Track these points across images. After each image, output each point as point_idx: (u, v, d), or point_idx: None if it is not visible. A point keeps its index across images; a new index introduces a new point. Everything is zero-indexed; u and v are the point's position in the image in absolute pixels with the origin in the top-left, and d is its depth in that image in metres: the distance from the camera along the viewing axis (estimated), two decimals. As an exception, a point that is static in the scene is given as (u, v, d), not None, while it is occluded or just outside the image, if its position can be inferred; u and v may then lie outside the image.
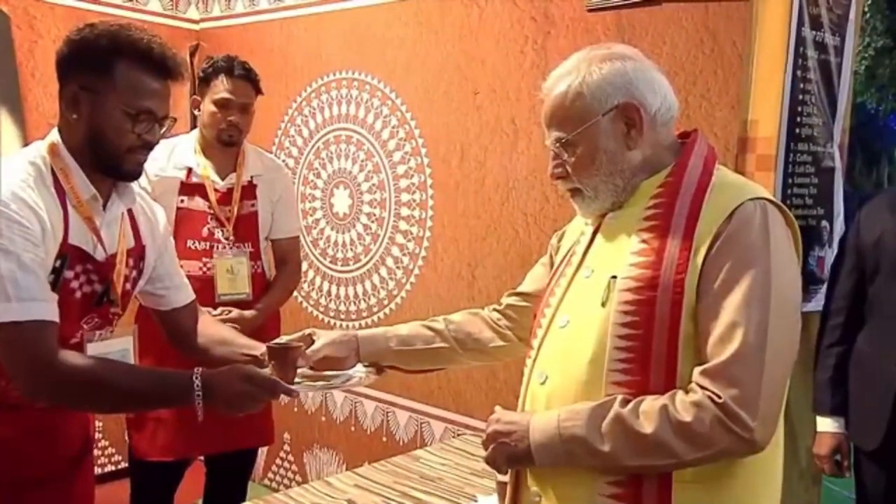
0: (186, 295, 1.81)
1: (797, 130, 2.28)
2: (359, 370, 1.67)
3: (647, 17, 2.42)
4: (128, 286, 1.64)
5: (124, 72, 1.45)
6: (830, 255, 2.42)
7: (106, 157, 1.49)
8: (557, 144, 1.34)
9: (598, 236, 1.38)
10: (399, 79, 3.09)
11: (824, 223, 2.43)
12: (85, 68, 1.46)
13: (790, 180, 2.28)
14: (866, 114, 6.19)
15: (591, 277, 1.33)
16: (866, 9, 5.37)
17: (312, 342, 1.63)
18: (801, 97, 2.28)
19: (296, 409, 3.52)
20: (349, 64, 3.25)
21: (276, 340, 1.61)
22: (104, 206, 1.56)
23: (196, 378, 1.45)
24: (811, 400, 2.29)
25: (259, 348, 1.70)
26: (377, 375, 1.67)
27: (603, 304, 1.26)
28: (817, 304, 2.34)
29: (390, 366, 1.67)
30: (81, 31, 1.48)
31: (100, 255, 1.55)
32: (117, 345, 1.65)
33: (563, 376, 1.30)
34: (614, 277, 1.26)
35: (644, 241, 1.26)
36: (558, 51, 2.62)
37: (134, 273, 1.66)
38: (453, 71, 2.92)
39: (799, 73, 2.26)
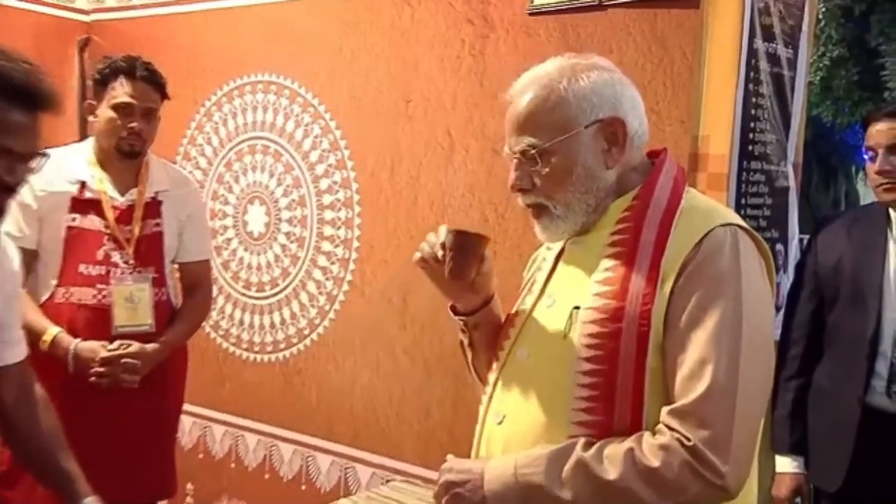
0: (20, 352, 1.68)
1: (750, 148, 2.39)
2: None
3: (592, 23, 2.51)
4: None
5: None
6: (786, 280, 2.53)
7: None
8: (531, 152, 1.34)
9: (561, 263, 1.41)
10: (322, 83, 3.10)
11: (779, 247, 2.55)
12: None
13: (743, 200, 2.38)
14: (822, 127, 6.48)
15: (553, 308, 1.36)
16: (820, 17, 5.64)
17: None
18: (753, 112, 2.40)
19: (201, 456, 3.46)
20: (266, 65, 3.26)
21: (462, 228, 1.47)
22: None
23: None
24: (769, 437, 2.35)
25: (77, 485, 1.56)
26: None
27: (565, 337, 1.29)
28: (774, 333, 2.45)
29: (471, 342, 1.54)
30: None
31: None
32: None
33: (521, 416, 1.33)
34: (577, 308, 1.29)
35: (609, 269, 1.30)
36: (498, 56, 2.69)
37: None
38: (383, 76, 2.95)
39: (751, 86, 2.37)
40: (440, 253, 1.42)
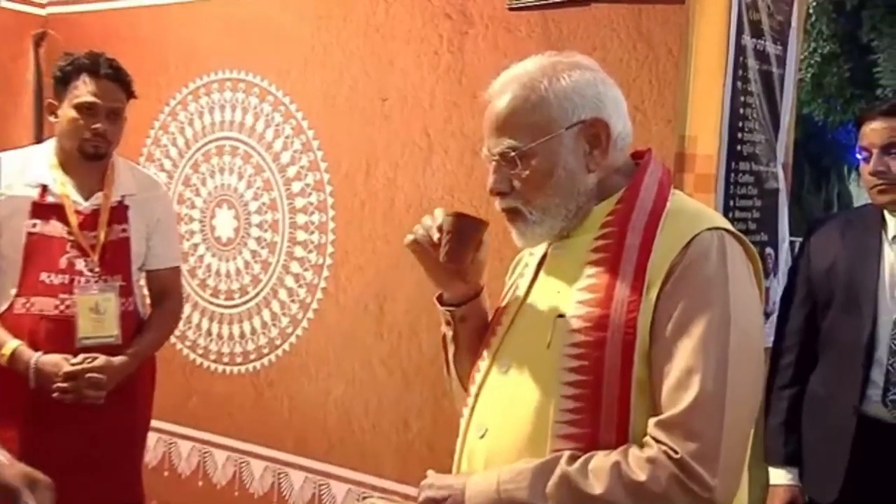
0: None
1: (738, 148, 2.45)
2: None
3: (575, 18, 2.55)
4: None
5: None
6: (776, 285, 2.58)
7: None
8: (511, 154, 1.36)
9: (543, 270, 1.44)
10: (294, 81, 3.12)
11: (769, 250, 2.60)
12: None
13: (731, 203, 2.44)
14: (813, 126, 6.57)
15: (536, 316, 1.38)
16: (811, 11, 5.73)
17: None
18: (742, 111, 2.45)
19: (166, 473, 3.46)
20: (235, 62, 3.27)
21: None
22: None
23: None
24: (761, 448, 2.36)
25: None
26: None
27: (548, 347, 1.32)
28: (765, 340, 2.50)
29: (455, 336, 1.56)
30: None
31: None
32: None
33: (504, 429, 1.35)
34: (561, 316, 1.32)
35: (592, 276, 1.32)
36: (477, 53, 2.73)
37: None
38: (357, 74, 2.98)
39: (739, 84, 2.43)
40: (436, 236, 1.44)
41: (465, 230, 1.44)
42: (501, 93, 1.38)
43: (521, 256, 1.58)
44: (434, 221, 1.46)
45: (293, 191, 3.15)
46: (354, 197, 3.00)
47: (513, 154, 1.36)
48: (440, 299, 1.55)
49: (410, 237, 1.48)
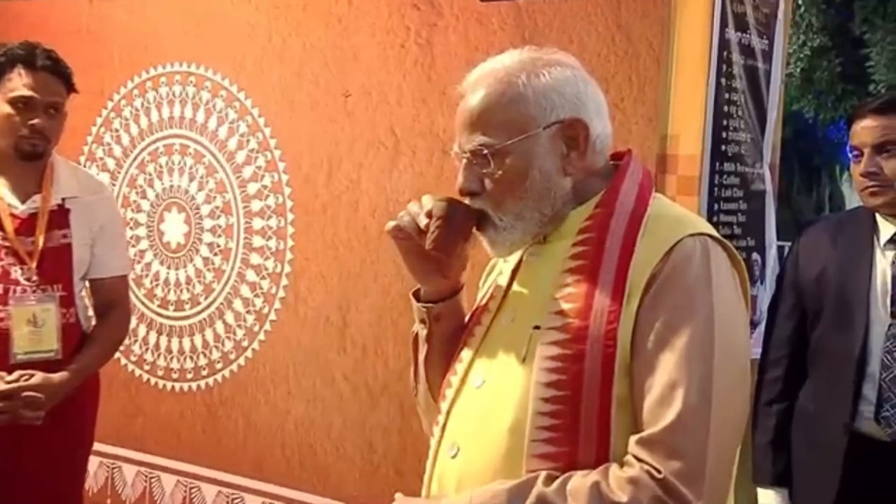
0: None
1: (723, 148, 2.49)
2: None
3: (550, 10, 2.59)
4: None
5: None
6: (763, 293, 2.62)
7: None
8: (483, 152, 1.37)
9: (518, 277, 1.45)
10: (250, 76, 3.13)
11: (755, 256, 2.64)
12: None
13: (716, 206, 2.48)
14: (803, 123, 6.66)
15: (511, 327, 1.40)
16: (800, 3, 5.82)
17: None
18: (726, 109, 2.49)
19: (108, 501, 3.45)
20: (185, 54, 3.27)
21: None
22: None
23: None
24: (749, 467, 2.38)
25: None
26: None
27: (524, 360, 1.33)
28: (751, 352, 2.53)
29: (428, 335, 1.56)
30: None
31: None
32: None
33: (477, 448, 1.36)
34: (537, 328, 1.33)
35: (570, 285, 1.33)
36: (447, 46, 2.75)
37: None
38: (318, 68, 2.99)
39: (723, 81, 2.47)
40: (424, 222, 1.44)
41: (457, 217, 1.44)
42: (475, 87, 1.40)
43: (496, 263, 1.59)
44: (422, 208, 1.46)
45: (249, 193, 3.16)
46: (315, 200, 3.01)
47: (486, 152, 1.37)
48: (416, 295, 1.56)
49: (392, 223, 1.48)
